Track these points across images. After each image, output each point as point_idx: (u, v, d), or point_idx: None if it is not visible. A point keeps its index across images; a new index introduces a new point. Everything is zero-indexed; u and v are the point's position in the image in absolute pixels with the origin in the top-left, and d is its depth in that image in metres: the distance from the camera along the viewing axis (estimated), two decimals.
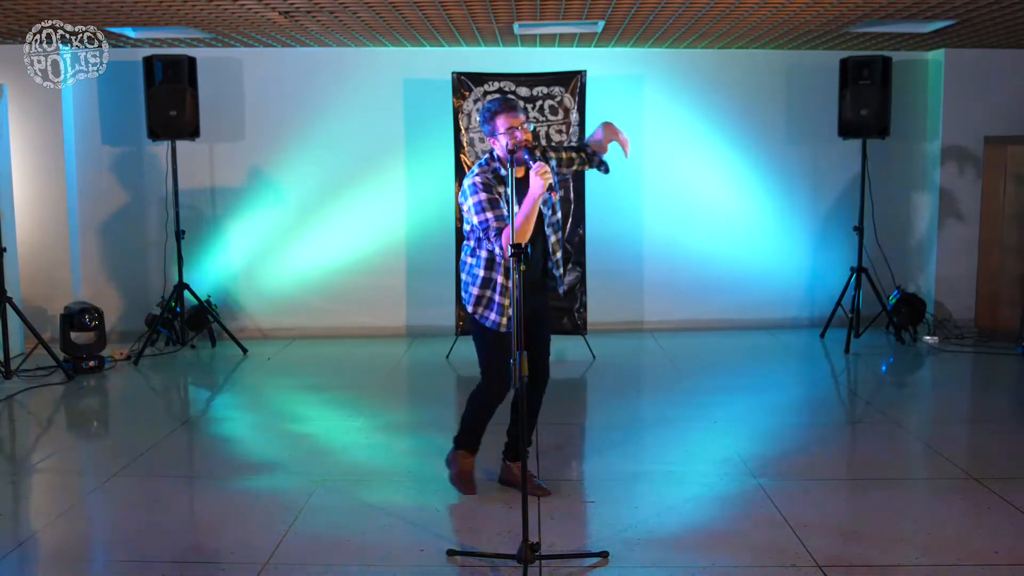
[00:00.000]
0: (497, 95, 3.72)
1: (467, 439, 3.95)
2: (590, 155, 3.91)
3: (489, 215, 3.53)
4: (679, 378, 6.08)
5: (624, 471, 4.15)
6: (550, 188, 3.58)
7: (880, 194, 7.26)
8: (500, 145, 3.61)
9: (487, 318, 3.68)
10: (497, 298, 3.65)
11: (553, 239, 3.77)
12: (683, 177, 7.46)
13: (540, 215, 3.68)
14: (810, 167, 7.53)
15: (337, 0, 5.36)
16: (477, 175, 3.61)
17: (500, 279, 3.64)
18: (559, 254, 3.81)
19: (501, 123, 3.58)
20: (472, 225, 3.61)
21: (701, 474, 4.10)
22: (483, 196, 3.55)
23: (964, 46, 7.07)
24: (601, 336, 7.02)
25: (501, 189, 3.58)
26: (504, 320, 3.65)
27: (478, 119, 3.65)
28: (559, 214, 3.82)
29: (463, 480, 3.91)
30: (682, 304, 7.59)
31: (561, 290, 3.91)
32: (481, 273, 3.67)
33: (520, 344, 3.08)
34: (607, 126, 3.81)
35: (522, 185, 3.54)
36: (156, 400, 5.85)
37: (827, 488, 3.97)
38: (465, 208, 3.61)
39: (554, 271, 3.82)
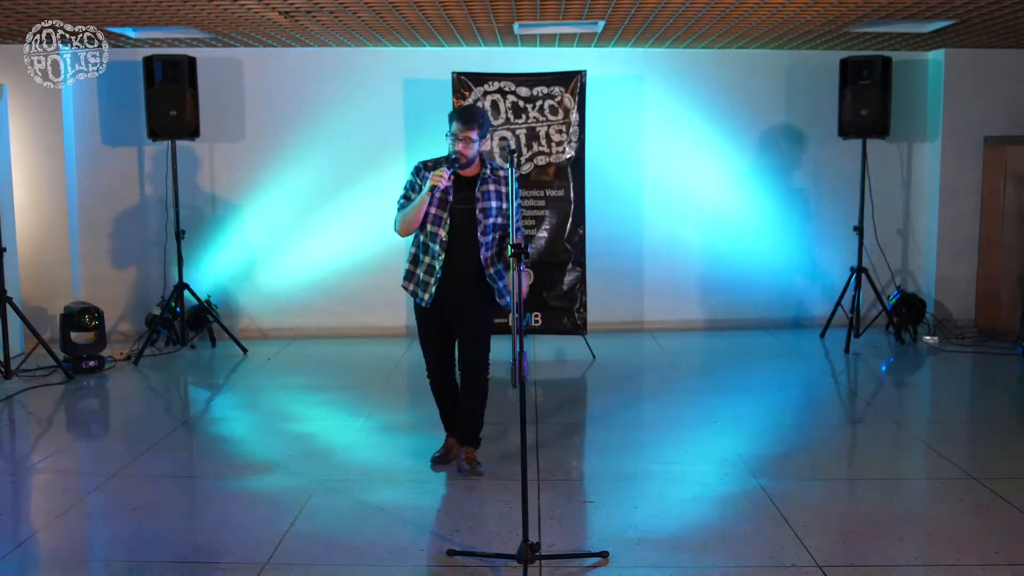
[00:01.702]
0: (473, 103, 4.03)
1: (444, 423, 4.30)
2: (502, 243, 4.07)
3: (401, 193, 4.04)
4: (679, 378, 6.08)
5: (624, 471, 4.15)
6: (434, 189, 3.85)
7: (880, 194, 7.26)
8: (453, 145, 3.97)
9: (417, 294, 4.03)
10: (417, 272, 4.03)
11: (487, 254, 3.97)
12: (683, 177, 7.46)
13: (473, 223, 3.94)
14: (810, 167, 7.53)
15: (337, 0, 5.36)
16: (425, 160, 4.04)
17: (424, 257, 4.00)
18: (492, 269, 3.99)
19: (455, 128, 3.93)
20: None
21: (701, 474, 4.09)
22: (409, 178, 4.02)
23: (964, 46, 7.06)
24: (601, 336, 7.02)
25: (427, 174, 3.94)
26: (425, 296, 3.98)
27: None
28: (490, 229, 3.97)
29: (437, 456, 4.23)
30: (682, 304, 7.59)
31: (506, 300, 4.05)
32: (412, 250, 4.07)
33: (521, 345, 3.09)
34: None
35: (464, 186, 3.96)
36: (156, 400, 5.85)
37: (827, 488, 3.97)
38: None
39: (492, 282, 4.01)
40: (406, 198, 4.01)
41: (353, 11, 5.66)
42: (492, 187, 4.00)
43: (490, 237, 3.99)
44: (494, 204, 3.98)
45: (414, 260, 4.04)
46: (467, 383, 4.08)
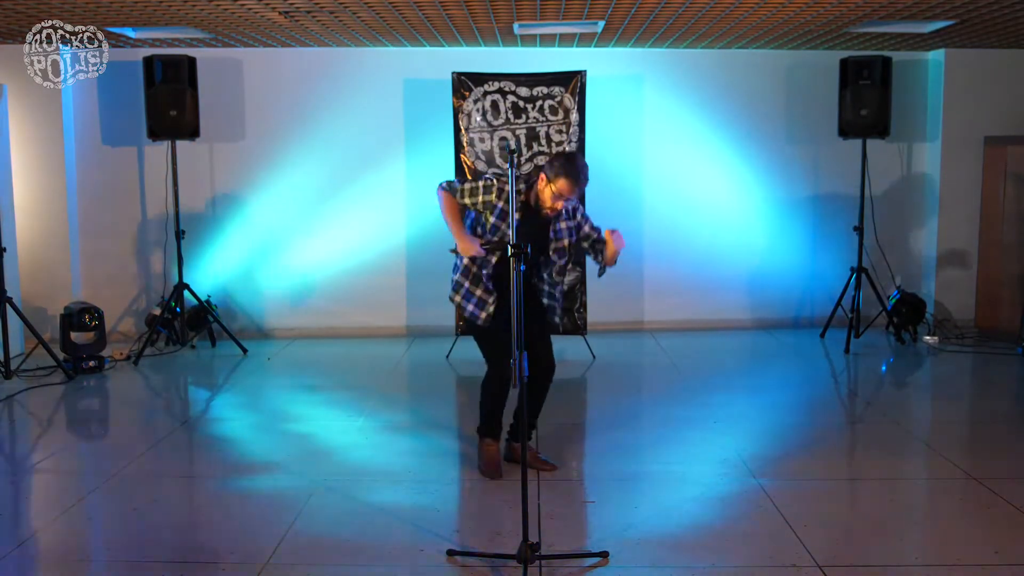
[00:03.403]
0: (566, 158, 3.87)
1: (486, 426, 4.12)
2: (596, 246, 4.07)
3: (471, 184, 3.88)
4: (679, 378, 6.08)
5: (624, 471, 4.15)
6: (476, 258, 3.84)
7: (880, 194, 7.26)
8: (543, 191, 3.82)
9: (466, 309, 3.94)
10: (467, 285, 3.91)
11: (559, 264, 3.98)
12: (683, 177, 7.46)
13: (545, 237, 3.92)
14: (810, 167, 7.53)
15: (337, 0, 5.36)
16: (500, 178, 3.89)
17: (475, 269, 3.89)
18: (554, 274, 3.99)
19: (562, 186, 3.76)
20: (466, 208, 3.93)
21: (701, 474, 4.09)
22: (480, 183, 3.86)
23: (964, 46, 7.07)
24: (601, 336, 7.02)
25: (500, 204, 3.81)
26: (483, 315, 3.89)
27: (550, 161, 3.89)
28: (562, 256, 3.98)
29: (488, 466, 4.05)
30: (682, 304, 7.59)
31: (557, 316, 4.09)
32: (464, 262, 3.92)
33: (521, 345, 3.09)
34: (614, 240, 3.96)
35: (527, 211, 3.86)
36: (156, 400, 5.85)
37: (827, 488, 3.97)
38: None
39: (548, 288, 4.03)
40: (472, 193, 3.85)
41: (353, 11, 5.66)
42: (564, 224, 3.96)
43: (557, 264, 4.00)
44: (566, 240, 3.97)
45: (475, 280, 3.90)
46: (543, 379, 4.02)
